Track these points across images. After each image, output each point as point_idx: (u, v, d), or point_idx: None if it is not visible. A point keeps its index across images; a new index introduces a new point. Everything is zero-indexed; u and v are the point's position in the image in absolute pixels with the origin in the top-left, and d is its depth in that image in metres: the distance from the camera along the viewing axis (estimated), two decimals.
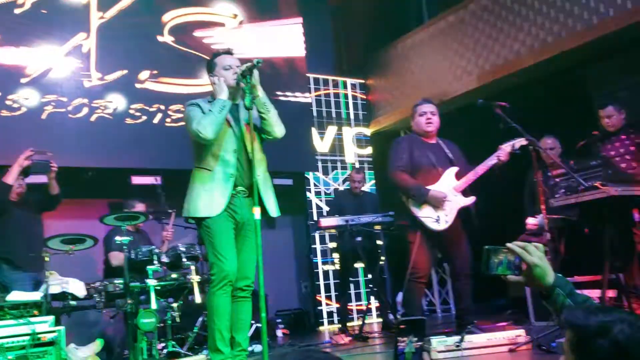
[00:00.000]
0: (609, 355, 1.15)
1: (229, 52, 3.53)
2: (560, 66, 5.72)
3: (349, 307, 6.57)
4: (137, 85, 6.22)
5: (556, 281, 1.54)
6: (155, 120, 6.26)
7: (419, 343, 3.20)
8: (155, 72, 6.32)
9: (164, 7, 6.53)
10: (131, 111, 6.14)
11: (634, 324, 1.17)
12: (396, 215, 4.89)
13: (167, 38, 6.47)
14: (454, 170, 4.42)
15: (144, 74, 6.26)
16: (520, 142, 4.39)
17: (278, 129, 3.43)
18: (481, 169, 4.33)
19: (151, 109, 6.27)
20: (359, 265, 6.47)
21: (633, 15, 4.93)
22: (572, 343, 1.23)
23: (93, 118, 5.91)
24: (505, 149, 4.35)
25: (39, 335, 3.38)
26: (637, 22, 4.91)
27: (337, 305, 6.44)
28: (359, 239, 5.31)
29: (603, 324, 1.18)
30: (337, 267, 6.71)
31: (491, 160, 4.31)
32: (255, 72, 3.20)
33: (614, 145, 4.71)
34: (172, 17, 6.56)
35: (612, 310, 1.22)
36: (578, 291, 1.54)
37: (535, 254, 1.53)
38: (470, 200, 4.39)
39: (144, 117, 6.21)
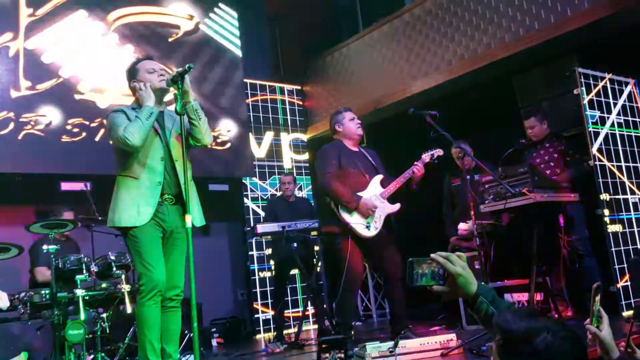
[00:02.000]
0: None
1: (149, 57, 3.50)
2: (491, 76, 5.93)
3: (285, 315, 6.55)
4: (76, 96, 5.59)
5: (479, 289, 1.57)
6: (97, 138, 5.59)
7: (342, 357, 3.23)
8: (97, 80, 5.69)
9: (108, 4, 5.84)
10: (68, 127, 5.47)
11: (558, 333, 1.21)
12: (324, 222, 4.93)
13: (112, 41, 5.82)
14: (379, 177, 4.55)
15: (84, 83, 5.61)
16: (438, 152, 4.58)
17: (207, 137, 3.40)
18: (401, 179, 4.46)
19: (92, 124, 5.58)
20: (295, 271, 6.46)
21: (556, 29, 5.17)
22: (498, 345, 1.28)
23: (21, 135, 5.24)
24: (424, 159, 4.50)
25: None
26: (559, 35, 5.15)
27: (273, 313, 6.40)
28: (295, 245, 5.30)
29: (528, 330, 1.22)
30: (273, 273, 6.69)
31: (408, 173, 4.45)
32: (187, 78, 3.15)
33: (539, 153, 4.91)
34: (119, 16, 5.91)
35: (541, 317, 1.27)
36: (507, 295, 1.59)
37: (458, 263, 1.57)
38: (396, 207, 4.52)
39: (84, 134, 5.54)
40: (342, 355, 3.10)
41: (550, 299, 4.56)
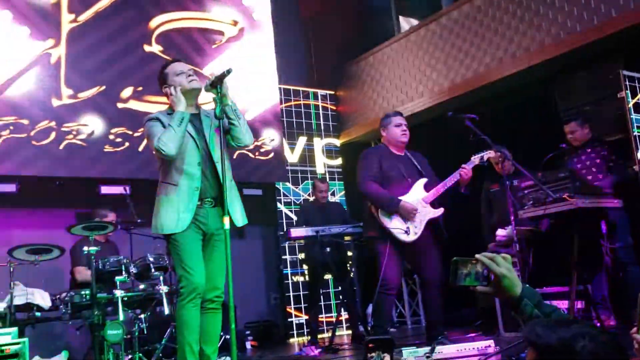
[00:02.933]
0: None
1: (177, 59, 3.53)
2: (530, 79, 5.84)
3: (319, 319, 6.53)
4: (119, 105, 5.46)
5: (524, 292, 1.55)
6: (141, 148, 5.44)
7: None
8: (140, 88, 5.54)
9: (151, 10, 5.68)
10: (111, 136, 5.37)
11: (596, 338, 1.16)
12: (364, 227, 4.88)
13: (154, 47, 5.66)
14: (423, 181, 4.46)
15: (127, 91, 5.48)
16: (489, 154, 4.48)
17: (248, 137, 3.40)
18: (446, 183, 4.39)
19: (135, 134, 5.43)
20: (329, 276, 6.46)
21: (598, 31, 5.06)
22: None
23: (62, 146, 5.16)
24: (474, 161, 4.42)
25: (3, 348, 3.28)
26: (602, 37, 5.05)
27: (307, 317, 6.40)
28: (328, 249, 5.29)
29: (564, 341, 1.17)
30: (307, 278, 6.70)
31: (454, 177, 4.38)
32: (225, 81, 3.18)
33: (581, 158, 4.81)
34: (161, 22, 5.76)
35: (571, 323, 1.22)
36: (546, 302, 1.56)
37: (504, 264, 1.54)
38: (439, 211, 4.43)
39: (127, 144, 5.41)
40: (389, 356, 3.08)
41: (592, 307, 4.45)
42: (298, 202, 7.51)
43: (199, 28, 6.22)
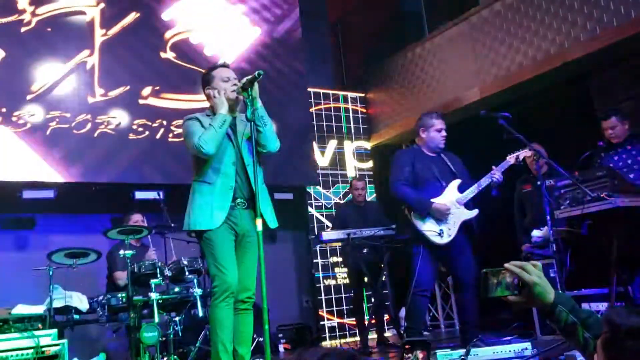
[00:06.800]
0: (636, 358, 1.13)
1: (225, 65, 3.54)
2: (564, 77, 5.73)
3: (364, 322, 6.30)
4: (140, 101, 6.25)
5: (557, 298, 1.53)
6: (158, 136, 6.29)
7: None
8: (157, 87, 6.35)
9: (165, 25, 6.60)
10: (134, 126, 6.16)
11: None
12: (399, 229, 4.84)
13: (169, 54, 6.51)
14: (457, 182, 4.38)
15: (147, 90, 6.29)
16: (524, 153, 4.40)
17: (273, 143, 3.41)
18: (482, 183, 4.32)
19: (154, 125, 6.29)
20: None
21: (636, 25, 4.93)
22: (604, 340, 1.23)
23: (96, 134, 5.93)
24: (509, 160, 4.36)
25: (43, 349, 3.34)
26: (639, 32, 4.92)
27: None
28: (365, 251, 5.25)
29: (638, 327, 1.16)
30: (347, 281, 6.69)
31: (488, 179, 4.30)
32: (256, 85, 3.20)
33: (621, 157, 4.68)
34: (174, 33, 6.62)
35: None
36: (585, 304, 1.53)
37: (534, 272, 1.53)
38: (474, 213, 4.36)
39: (147, 133, 6.22)
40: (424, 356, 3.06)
41: None
42: (329, 206, 7.51)
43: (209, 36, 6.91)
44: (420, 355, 3.06)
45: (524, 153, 4.40)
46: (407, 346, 3.20)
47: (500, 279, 1.56)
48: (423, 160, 4.44)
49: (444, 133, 4.47)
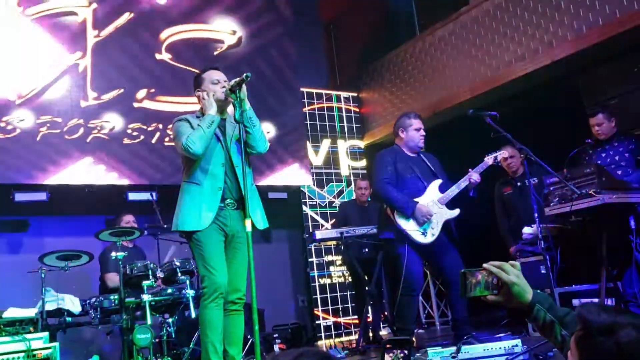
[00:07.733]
0: (609, 356, 1.15)
1: (215, 67, 3.57)
2: (551, 76, 5.75)
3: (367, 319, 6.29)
4: (135, 104, 6.10)
5: (535, 297, 1.55)
6: (154, 140, 6.15)
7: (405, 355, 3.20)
8: (152, 90, 6.19)
9: (161, 24, 6.42)
10: (129, 131, 6.01)
11: None
12: (380, 228, 4.84)
13: (164, 56, 6.34)
14: (438, 182, 4.45)
15: (141, 93, 6.13)
16: (502, 154, 4.47)
17: (262, 144, 3.45)
18: (461, 184, 4.36)
19: (149, 128, 6.16)
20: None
21: (621, 25, 4.97)
22: (577, 337, 1.24)
23: (89, 139, 5.78)
24: (487, 162, 4.42)
25: (34, 352, 3.36)
26: (625, 30, 4.95)
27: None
28: (366, 250, 5.27)
29: (611, 324, 1.17)
30: (342, 280, 6.71)
31: (465, 180, 4.35)
32: (244, 86, 3.22)
33: (609, 153, 4.72)
34: (170, 34, 6.45)
35: (624, 312, 1.22)
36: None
37: (512, 272, 1.54)
38: (456, 212, 4.41)
39: (142, 137, 6.09)
40: (405, 354, 3.07)
41: (623, 305, 4.36)
42: (323, 205, 7.53)
43: (200, 38, 6.82)
44: (400, 354, 3.07)
45: (502, 154, 4.46)
46: (387, 345, 3.22)
47: (478, 279, 1.58)
48: (404, 159, 4.49)
49: (422, 132, 4.53)
